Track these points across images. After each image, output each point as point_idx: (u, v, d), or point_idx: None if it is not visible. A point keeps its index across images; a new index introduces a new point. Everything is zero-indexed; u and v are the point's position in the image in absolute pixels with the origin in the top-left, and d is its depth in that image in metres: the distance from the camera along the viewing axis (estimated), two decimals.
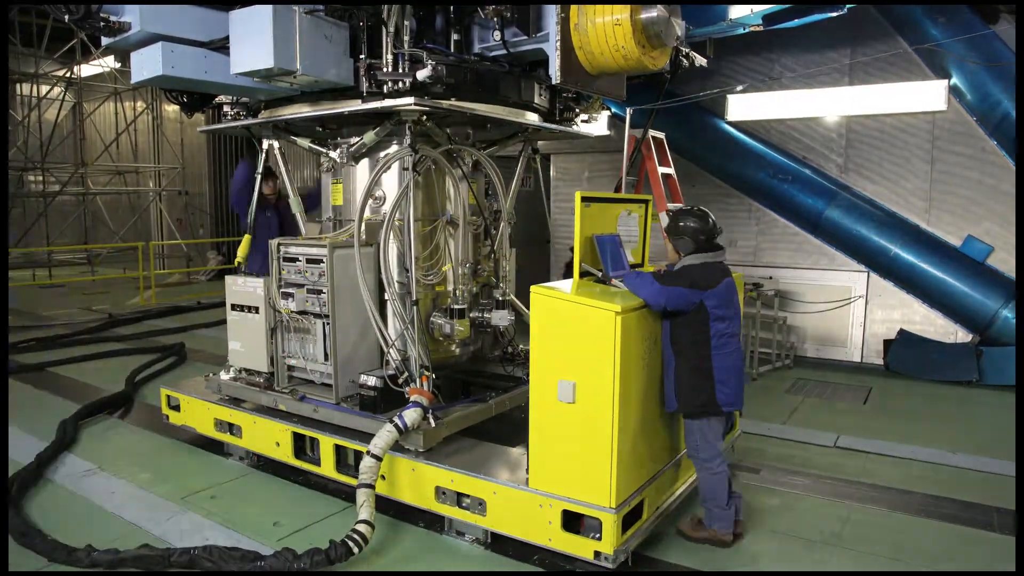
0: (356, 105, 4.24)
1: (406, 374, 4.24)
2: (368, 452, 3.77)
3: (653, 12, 3.96)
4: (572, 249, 4.06)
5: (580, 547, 3.42)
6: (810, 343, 8.27)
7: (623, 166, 7.24)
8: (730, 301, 3.65)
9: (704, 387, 3.59)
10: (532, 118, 4.90)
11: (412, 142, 4.29)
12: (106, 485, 4.59)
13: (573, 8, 4.03)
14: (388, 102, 4.07)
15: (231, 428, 4.97)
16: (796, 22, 6.33)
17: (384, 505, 4.05)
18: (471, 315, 4.87)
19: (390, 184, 4.65)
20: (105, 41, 4.19)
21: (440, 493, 3.88)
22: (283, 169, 5.21)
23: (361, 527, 3.50)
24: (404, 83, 4.00)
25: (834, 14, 6.22)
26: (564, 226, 9.65)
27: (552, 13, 4.04)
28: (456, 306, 4.69)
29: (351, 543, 3.42)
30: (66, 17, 3.91)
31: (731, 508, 3.71)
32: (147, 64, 4.15)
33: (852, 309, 8.02)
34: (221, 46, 4.20)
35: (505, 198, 5.26)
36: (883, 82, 7.55)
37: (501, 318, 4.92)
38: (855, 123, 7.93)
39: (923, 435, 5.61)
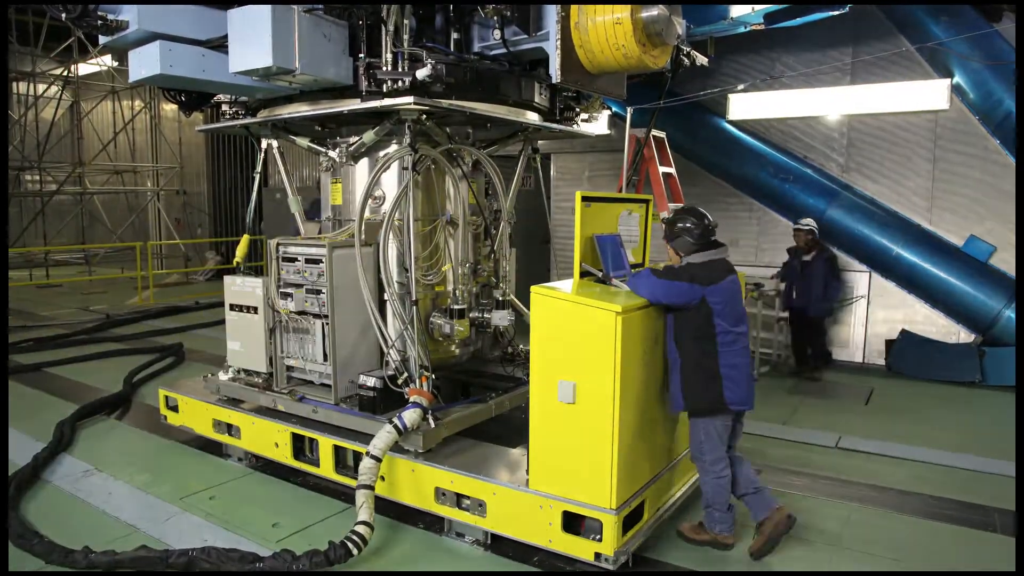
0: (355, 104, 4.22)
1: (405, 374, 4.22)
2: (367, 453, 3.74)
3: (654, 11, 3.94)
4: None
5: (580, 548, 3.41)
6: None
7: (624, 166, 7.22)
8: (734, 298, 3.61)
9: (711, 386, 3.55)
10: (532, 117, 4.88)
11: (412, 141, 4.26)
12: (104, 486, 4.57)
13: (573, 7, 4.01)
14: (387, 101, 4.05)
15: (230, 429, 4.95)
16: (797, 21, 6.31)
17: (384, 506, 4.03)
18: (471, 315, 4.85)
19: (389, 184, 4.62)
20: (103, 40, 4.16)
21: (440, 494, 3.86)
22: (282, 168, 5.19)
23: (360, 528, 3.47)
24: (403, 82, 3.98)
25: (835, 13, 6.20)
26: (564, 226, 9.63)
27: (552, 12, 4.01)
28: (456, 306, 4.67)
29: (350, 544, 3.40)
30: (63, 16, 3.88)
31: (732, 511, 3.68)
32: (145, 63, 4.13)
33: (854, 309, 8.01)
34: (219, 45, 4.18)
35: (505, 198, 5.24)
36: (885, 81, 7.54)
37: (501, 318, 4.90)
38: (857, 122, 7.92)
39: (925, 436, 5.59)
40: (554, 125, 5.10)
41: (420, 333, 4.33)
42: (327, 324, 4.42)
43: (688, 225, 3.66)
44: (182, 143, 17.80)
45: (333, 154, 4.80)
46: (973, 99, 7.09)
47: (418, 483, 3.93)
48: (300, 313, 4.55)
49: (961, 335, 7.47)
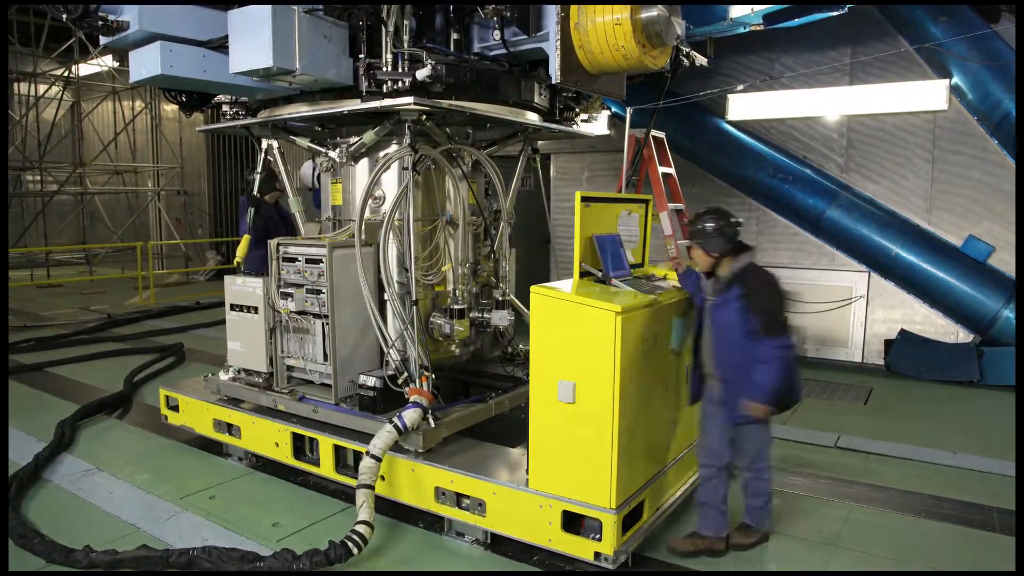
0: (356, 104, 4.23)
1: (406, 374, 4.23)
2: (367, 453, 3.75)
3: (653, 11, 3.95)
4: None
5: (580, 548, 3.41)
6: (811, 343, 8.25)
7: (623, 166, 7.23)
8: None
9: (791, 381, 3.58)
10: (532, 118, 4.88)
11: (412, 141, 4.27)
12: (105, 486, 4.58)
13: (573, 7, 4.02)
14: (388, 101, 4.06)
15: (230, 428, 4.96)
16: (796, 21, 6.32)
17: (384, 506, 4.04)
18: (471, 315, 4.85)
19: (390, 184, 4.63)
20: (103, 40, 4.17)
21: (440, 494, 3.86)
22: (282, 169, 5.20)
23: (360, 528, 3.48)
24: (403, 82, 3.98)
25: (834, 13, 6.21)
26: (564, 226, 9.64)
27: (552, 12, 4.03)
28: (456, 306, 4.68)
29: (350, 544, 3.41)
30: (64, 16, 3.89)
31: (725, 518, 3.64)
32: (146, 63, 4.14)
33: (853, 309, 8.01)
34: (220, 45, 4.19)
35: (505, 198, 5.25)
36: (884, 81, 7.54)
37: (501, 318, 4.91)
38: (856, 123, 7.92)
39: (924, 435, 5.60)
40: (554, 125, 5.11)
41: (420, 333, 4.34)
42: (327, 324, 4.43)
43: (721, 224, 3.59)
44: (183, 143, 17.81)
45: (333, 154, 4.81)
46: (972, 100, 7.09)
47: (418, 483, 3.94)
48: (300, 313, 4.56)
49: (960, 335, 7.48)
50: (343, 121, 4.77)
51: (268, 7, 3.71)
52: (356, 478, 3.75)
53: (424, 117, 4.25)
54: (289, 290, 4.58)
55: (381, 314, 4.47)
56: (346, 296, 4.43)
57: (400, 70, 4.04)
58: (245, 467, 4.89)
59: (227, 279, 5.01)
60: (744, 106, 8.24)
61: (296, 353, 4.70)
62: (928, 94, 7.27)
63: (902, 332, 7.67)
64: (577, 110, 5.41)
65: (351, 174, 4.87)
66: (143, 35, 4.04)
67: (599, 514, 3.34)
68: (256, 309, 4.79)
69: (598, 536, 3.35)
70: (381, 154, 4.63)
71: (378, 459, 3.75)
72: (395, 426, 3.80)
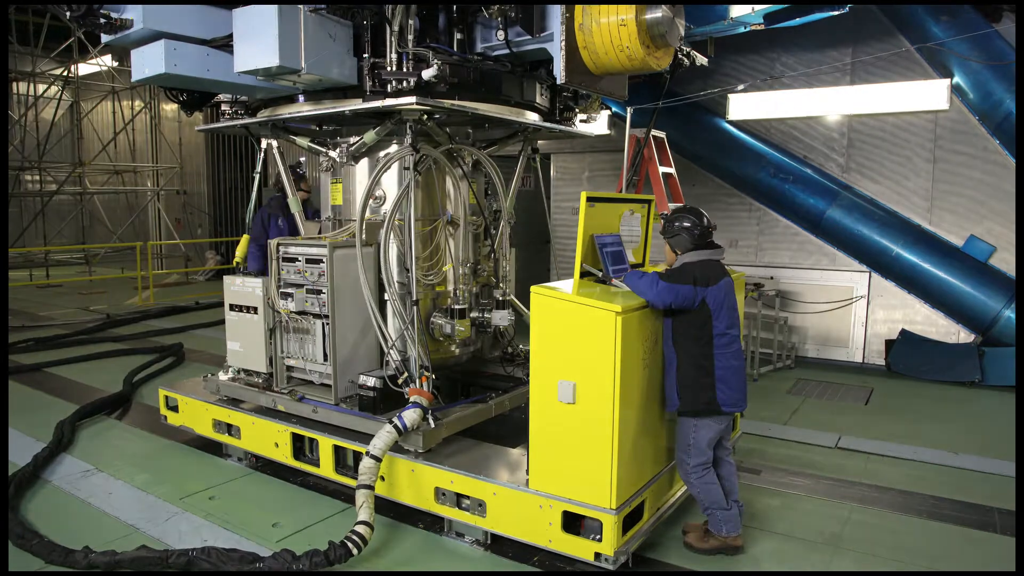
0: (357, 104, 4.22)
1: (406, 374, 4.22)
2: (367, 453, 3.74)
3: (658, 12, 3.95)
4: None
5: (580, 548, 3.41)
6: (811, 343, 8.25)
7: (624, 166, 7.22)
8: (729, 300, 3.62)
9: (706, 386, 3.55)
10: (533, 117, 4.88)
11: (413, 141, 4.26)
12: (104, 486, 4.57)
13: (578, 8, 4.00)
14: (390, 101, 4.05)
15: (229, 429, 4.95)
16: (797, 21, 6.30)
17: (384, 506, 4.03)
18: (471, 315, 4.85)
19: (390, 184, 4.63)
20: (105, 38, 4.14)
21: (440, 494, 3.86)
22: (282, 168, 5.19)
23: (360, 528, 3.47)
24: (408, 82, 3.97)
25: (835, 13, 6.20)
26: (564, 226, 9.63)
27: (555, 13, 4.02)
28: (456, 306, 4.67)
29: (350, 544, 3.40)
30: (67, 14, 3.87)
31: (733, 508, 3.66)
32: (149, 62, 4.10)
33: (854, 309, 8.00)
34: (224, 44, 4.17)
35: (505, 198, 5.24)
36: (885, 81, 7.53)
37: (501, 318, 4.90)
38: (857, 122, 7.92)
39: (925, 436, 5.59)
40: (555, 126, 5.11)
41: (420, 333, 4.33)
42: (327, 324, 4.42)
43: (687, 224, 3.67)
44: (182, 143, 17.81)
45: (333, 154, 4.80)
46: (973, 99, 7.09)
47: (418, 483, 3.93)
48: (300, 313, 4.55)
49: (961, 335, 7.47)
50: (343, 121, 4.76)
51: (274, 6, 3.70)
52: (356, 478, 3.74)
53: (425, 117, 4.25)
54: (289, 290, 4.57)
55: (381, 314, 4.46)
56: (346, 296, 4.42)
57: (405, 70, 4.03)
58: (245, 467, 4.88)
59: (226, 279, 5.00)
60: (744, 106, 8.23)
61: (296, 353, 4.69)
62: (929, 94, 7.26)
63: (903, 332, 7.66)
64: (576, 110, 5.40)
65: (351, 174, 4.86)
66: (147, 33, 4.01)
67: (599, 515, 3.33)
68: (256, 309, 4.78)
69: (598, 537, 3.34)
70: (381, 154, 4.63)
71: (378, 459, 3.74)
72: (395, 426, 3.79)
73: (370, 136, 4.54)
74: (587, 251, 3.90)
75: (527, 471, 3.64)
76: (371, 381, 4.33)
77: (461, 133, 5.05)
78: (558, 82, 4.08)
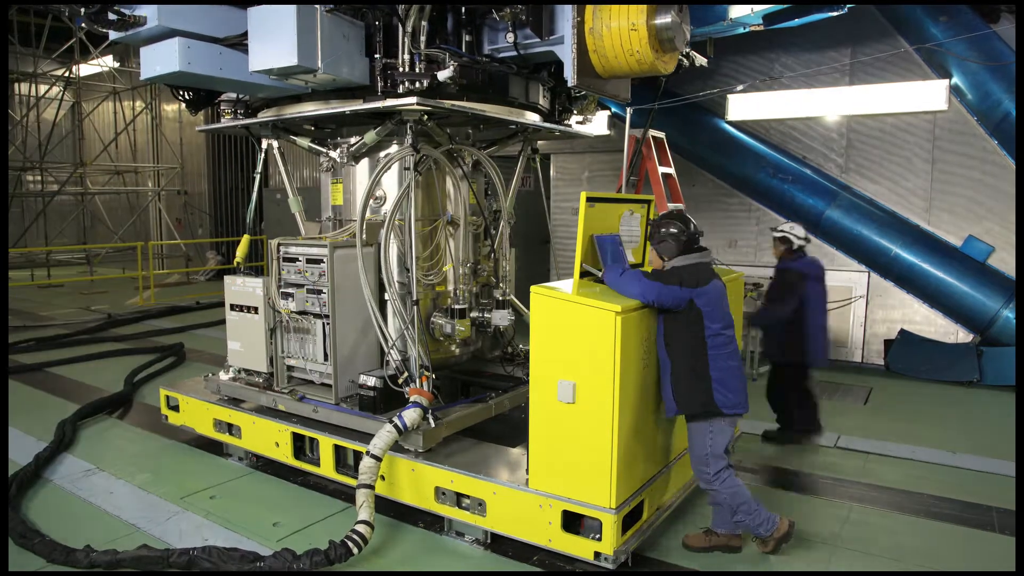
0: (359, 105, 4.23)
1: (406, 374, 4.23)
2: (368, 452, 3.76)
3: (668, 17, 3.97)
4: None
5: (580, 548, 3.42)
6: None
7: (624, 167, 7.23)
8: (721, 301, 3.60)
9: (701, 389, 3.53)
10: (534, 118, 4.89)
11: (414, 141, 4.28)
12: (105, 485, 4.58)
13: (588, 12, 4.02)
14: (390, 102, 4.06)
15: (230, 428, 4.96)
16: (796, 22, 6.31)
17: (384, 506, 4.04)
18: (471, 315, 4.86)
19: (390, 184, 4.64)
20: (114, 35, 4.10)
21: (440, 493, 3.87)
22: (283, 168, 5.20)
23: (361, 527, 3.49)
24: (422, 83, 3.98)
25: (834, 14, 6.21)
26: (564, 226, 9.64)
27: (565, 16, 4.04)
28: (456, 306, 4.68)
29: (351, 543, 3.42)
30: (81, 11, 3.85)
31: (761, 507, 3.58)
32: (161, 60, 4.07)
33: (853, 309, 8.01)
34: (236, 43, 4.15)
35: (505, 198, 5.26)
36: (883, 82, 7.54)
37: (501, 318, 4.91)
38: (855, 123, 7.93)
39: (923, 435, 5.60)
40: (556, 126, 5.12)
41: (421, 333, 4.35)
42: (328, 324, 4.43)
43: (674, 230, 3.67)
44: (183, 143, 17.82)
45: (334, 154, 4.81)
46: (971, 100, 7.10)
47: (418, 482, 3.94)
48: (301, 313, 4.56)
49: (960, 335, 7.48)
50: (344, 121, 4.78)
51: (293, 6, 3.69)
52: (356, 478, 3.76)
53: (425, 117, 4.26)
54: (290, 290, 4.59)
55: (381, 314, 4.48)
56: (347, 296, 4.43)
57: (417, 71, 4.04)
58: (245, 467, 4.89)
59: (227, 279, 5.01)
60: (744, 106, 8.25)
61: (296, 353, 4.70)
62: (928, 94, 7.27)
63: (902, 332, 7.67)
64: (574, 111, 5.41)
65: (352, 174, 4.88)
66: (160, 31, 3.98)
67: (599, 514, 3.34)
68: (256, 309, 4.80)
69: (598, 536, 3.35)
70: (382, 154, 4.64)
71: (378, 459, 3.75)
72: (395, 426, 3.80)
73: (370, 136, 4.55)
74: (587, 251, 3.91)
75: (527, 470, 3.66)
76: (371, 381, 4.34)
77: (461, 133, 5.07)
78: (569, 84, 4.09)
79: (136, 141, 18.67)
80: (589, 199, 3.82)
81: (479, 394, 4.74)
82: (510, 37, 4.13)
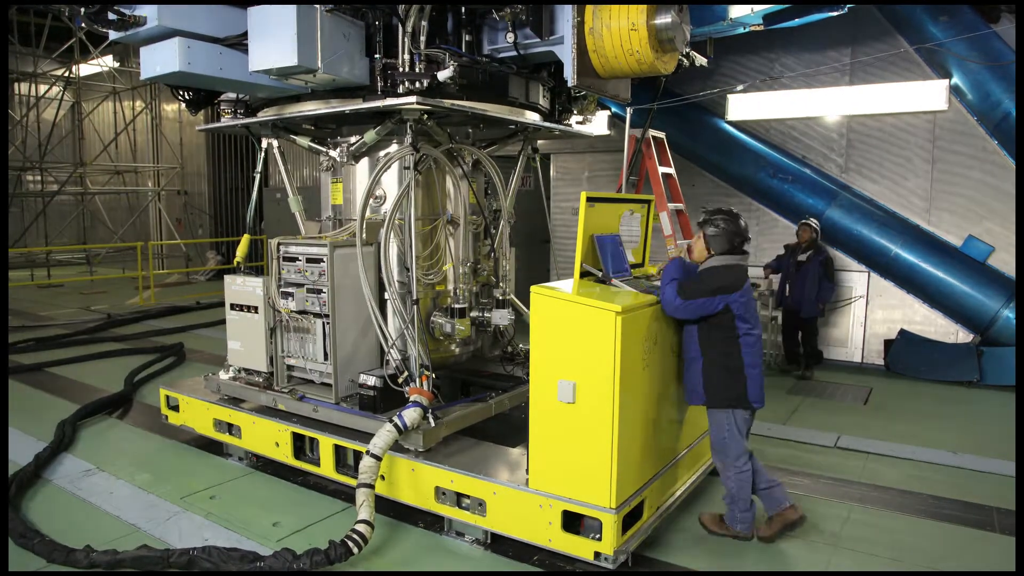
0: (358, 104, 4.23)
1: (406, 373, 4.23)
2: (368, 452, 3.75)
3: (667, 18, 3.97)
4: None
5: (580, 548, 3.41)
6: None
7: (623, 167, 7.23)
8: (751, 302, 3.75)
9: (736, 383, 3.66)
10: (534, 117, 4.89)
11: (413, 140, 4.28)
12: (105, 486, 4.58)
13: (588, 12, 4.02)
14: (390, 101, 4.06)
15: (230, 428, 4.96)
16: (796, 22, 6.32)
17: (384, 505, 4.04)
18: (471, 314, 4.86)
19: (390, 183, 4.64)
20: (114, 35, 4.09)
21: (440, 493, 3.86)
22: (282, 167, 5.20)
23: (361, 527, 3.48)
24: (422, 83, 3.99)
25: (834, 14, 6.21)
26: (564, 226, 9.64)
27: (565, 16, 4.04)
28: (456, 305, 4.68)
29: (351, 543, 3.41)
30: (81, 10, 3.85)
31: (752, 510, 3.75)
32: (161, 60, 4.06)
33: (853, 309, 8.01)
34: (236, 43, 4.15)
35: (505, 197, 5.26)
36: (884, 82, 7.55)
37: (501, 317, 4.91)
38: (856, 123, 7.93)
39: (924, 435, 5.60)
40: (556, 125, 5.12)
41: (421, 332, 4.35)
42: (328, 323, 4.43)
43: (731, 227, 3.73)
44: (183, 143, 17.82)
45: (334, 154, 4.81)
46: (971, 100, 7.10)
47: (418, 482, 3.94)
48: (301, 312, 4.56)
49: (960, 335, 7.48)
50: (344, 120, 4.78)
51: (292, 6, 3.69)
52: (356, 477, 3.75)
53: (425, 116, 4.26)
54: (290, 289, 4.58)
55: (381, 313, 4.48)
56: (347, 295, 4.43)
57: (417, 71, 4.04)
58: (245, 467, 4.89)
59: (227, 279, 5.00)
60: (744, 106, 8.25)
61: (296, 352, 4.70)
62: (928, 94, 7.28)
63: (902, 332, 7.67)
64: (573, 111, 5.41)
65: (352, 173, 4.88)
66: (160, 31, 3.97)
67: (599, 514, 3.34)
68: (256, 309, 4.79)
69: (598, 536, 3.35)
70: (382, 153, 4.64)
71: (378, 458, 3.75)
72: (395, 425, 3.80)
73: (370, 136, 4.55)
74: (587, 251, 3.91)
75: (527, 470, 3.65)
76: (371, 380, 4.34)
77: (461, 133, 5.07)
78: (569, 84, 4.09)
79: (136, 141, 18.66)
80: (589, 199, 3.82)
81: (479, 393, 4.73)
82: (510, 37, 4.13)
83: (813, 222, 7.35)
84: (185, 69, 4.03)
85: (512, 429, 4.62)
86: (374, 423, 4.07)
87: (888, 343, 7.75)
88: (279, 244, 4.68)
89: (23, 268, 16.01)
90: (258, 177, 5.44)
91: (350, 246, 4.45)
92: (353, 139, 4.70)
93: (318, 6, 3.79)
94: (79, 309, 11.72)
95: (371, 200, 4.58)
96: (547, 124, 5.00)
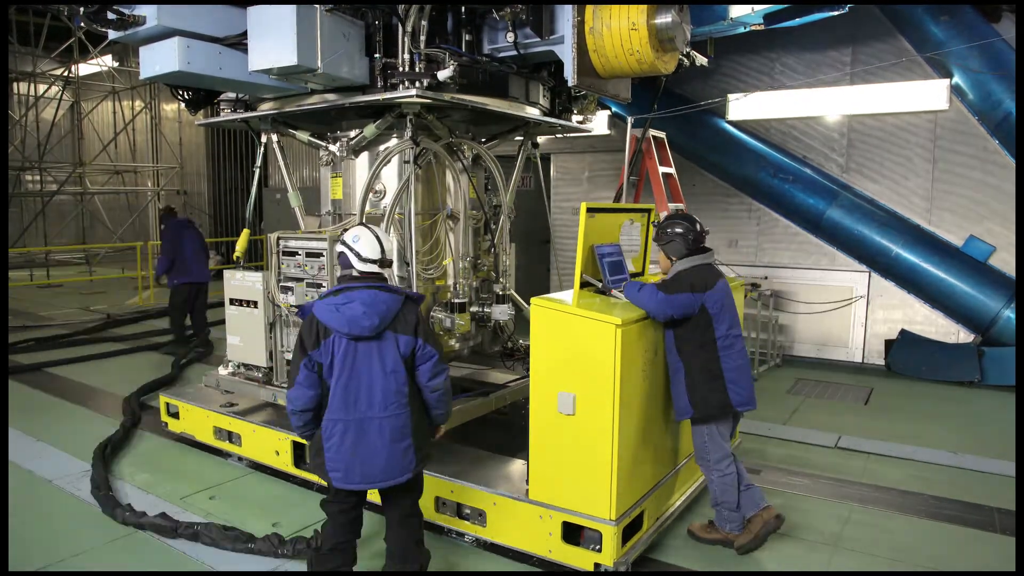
0: (358, 97, 4.21)
1: None
2: None
3: (668, 17, 3.96)
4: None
5: (580, 559, 3.39)
6: (811, 343, 8.24)
7: (624, 167, 7.22)
8: (728, 301, 3.65)
9: (717, 389, 3.57)
10: (533, 112, 4.88)
11: (413, 135, 4.26)
12: None
13: (588, 11, 4.01)
14: (390, 94, 4.05)
15: (230, 436, 4.92)
16: (797, 21, 6.30)
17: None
18: (471, 309, 4.84)
19: (390, 178, 4.62)
20: (113, 35, 4.08)
21: (440, 504, 3.84)
22: (282, 163, 5.18)
23: None
24: (422, 83, 3.97)
25: (835, 13, 6.19)
26: (564, 226, 9.64)
27: (565, 16, 4.03)
28: (456, 300, 4.67)
29: None
30: (80, 10, 3.84)
31: (741, 510, 3.68)
32: (160, 59, 4.05)
33: (853, 309, 8.00)
34: (236, 43, 4.14)
35: (505, 192, 5.24)
36: (884, 81, 7.53)
37: (501, 312, 4.90)
38: (856, 122, 7.92)
39: (924, 436, 5.58)
40: (556, 120, 5.11)
41: None
42: None
43: (680, 230, 3.70)
44: (182, 143, 17.80)
45: (334, 148, 4.79)
46: (972, 100, 7.09)
47: None
48: (300, 307, 4.54)
49: (960, 335, 7.47)
50: (344, 115, 4.76)
51: (292, 5, 3.68)
52: None
53: (425, 110, 4.25)
54: (289, 284, 4.57)
55: None
56: None
57: (417, 70, 4.03)
58: (245, 467, 4.87)
59: (226, 274, 5.00)
60: (744, 106, 8.23)
61: None
62: (929, 94, 7.26)
63: (903, 332, 7.66)
64: (574, 111, 5.40)
65: (351, 168, 4.86)
66: (160, 30, 3.96)
67: (599, 525, 3.31)
68: (256, 303, 4.78)
69: (598, 547, 3.32)
70: (381, 148, 4.63)
71: None
72: None
73: (370, 130, 4.53)
74: (587, 261, 3.86)
75: (527, 481, 3.62)
76: None
77: (461, 130, 5.06)
78: (569, 84, 4.09)
79: (135, 141, 18.65)
80: (589, 209, 3.75)
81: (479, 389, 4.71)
82: (510, 37, 4.12)
83: None
84: (184, 69, 4.02)
85: (513, 439, 4.58)
86: None
87: (889, 343, 7.74)
88: (279, 238, 4.67)
89: (22, 268, 15.97)
90: (257, 172, 5.42)
91: None
92: (353, 133, 4.69)
93: (318, 6, 3.79)
94: (78, 309, 11.69)
95: (371, 195, 4.57)
96: (547, 119, 5.00)
